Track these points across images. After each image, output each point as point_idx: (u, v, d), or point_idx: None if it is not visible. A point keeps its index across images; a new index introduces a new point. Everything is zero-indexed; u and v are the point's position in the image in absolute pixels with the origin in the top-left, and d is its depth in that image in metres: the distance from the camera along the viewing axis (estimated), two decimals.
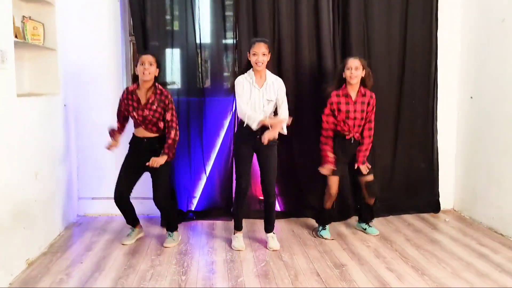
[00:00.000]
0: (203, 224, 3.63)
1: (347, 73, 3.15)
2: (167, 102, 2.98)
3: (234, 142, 3.17)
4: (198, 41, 3.60)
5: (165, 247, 3.07)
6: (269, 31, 3.60)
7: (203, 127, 3.65)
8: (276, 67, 3.64)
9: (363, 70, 3.16)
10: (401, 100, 3.80)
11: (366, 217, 3.47)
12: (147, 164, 2.90)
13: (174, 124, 2.99)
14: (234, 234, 3.17)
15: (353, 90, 3.19)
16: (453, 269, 2.75)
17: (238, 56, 3.60)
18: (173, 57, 3.61)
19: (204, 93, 3.66)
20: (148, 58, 2.90)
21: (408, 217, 3.83)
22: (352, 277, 2.63)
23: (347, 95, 3.19)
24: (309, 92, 3.65)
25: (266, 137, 2.83)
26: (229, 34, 3.68)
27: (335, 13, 3.65)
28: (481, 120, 3.67)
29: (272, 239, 3.10)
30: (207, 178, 3.75)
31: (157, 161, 2.91)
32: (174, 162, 3.54)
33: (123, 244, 3.12)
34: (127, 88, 3.05)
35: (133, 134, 3.09)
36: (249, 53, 2.97)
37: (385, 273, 2.69)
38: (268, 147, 2.97)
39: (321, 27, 3.61)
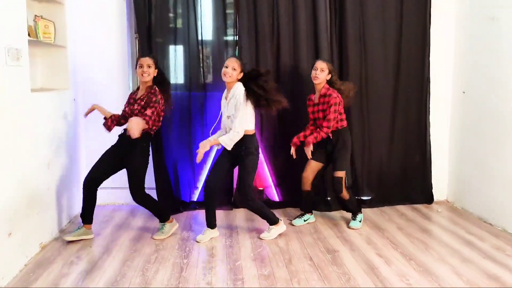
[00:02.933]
0: (204, 213, 3.81)
1: (312, 73, 3.34)
2: (153, 99, 2.98)
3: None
4: (200, 38, 3.77)
5: (154, 239, 3.13)
6: (268, 27, 3.76)
7: (205, 120, 3.83)
8: (275, 62, 3.80)
9: (328, 73, 3.31)
10: (396, 95, 3.95)
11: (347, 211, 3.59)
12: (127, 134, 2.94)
13: (147, 118, 2.92)
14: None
15: (317, 91, 3.36)
16: (440, 255, 2.91)
17: (238, 52, 3.76)
18: (176, 54, 3.78)
19: (206, 88, 3.83)
20: (146, 61, 3.03)
21: (402, 207, 3.98)
22: (343, 262, 2.81)
23: (310, 99, 3.41)
24: (306, 87, 3.79)
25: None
26: (230, 31, 3.84)
27: (332, 11, 3.79)
28: (473, 114, 3.80)
29: (268, 230, 3.22)
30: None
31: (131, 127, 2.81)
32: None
33: (65, 240, 3.05)
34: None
35: (123, 129, 3.15)
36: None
37: (374, 258, 2.86)
38: (241, 158, 3.09)
39: (319, 24, 3.76)
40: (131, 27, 3.89)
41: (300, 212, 3.59)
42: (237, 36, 3.79)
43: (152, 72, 3.06)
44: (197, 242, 3.11)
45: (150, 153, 3.26)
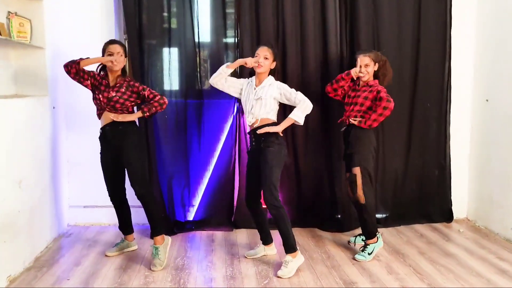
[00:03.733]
0: (202, 235, 3.41)
1: (356, 71, 3.00)
2: (137, 84, 2.79)
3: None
4: (197, 39, 3.39)
5: (153, 270, 2.71)
6: (272, 28, 3.40)
7: (202, 130, 3.44)
8: (280, 67, 3.43)
9: (374, 65, 2.98)
10: (413, 103, 3.59)
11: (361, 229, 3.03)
12: (112, 117, 2.72)
13: (156, 93, 2.77)
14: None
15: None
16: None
17: (239, 55, 3.39)
18: (170, 57, 3.39)
19: (203, 95, 3.44)
20: (116, 48, 2.73)
21: (419, 227, 3.60)
22: None
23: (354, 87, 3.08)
24: (315, 94, 3.43)
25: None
26: (230, 32, 3.46)
27: (342, 11, 3.44)
28: (497, 123, 3.45)
29: (285, 265, 2.67)
30: (207, 185, 3.53)
31: (124, 116, 2.72)
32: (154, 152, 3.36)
33: (106, 256, 2.92)
34: (96, 70, 2.85)
35: (100, 129, 2.86)
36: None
37: None
38: (262, 152, 2.72)
39: (328, 25, 3.39)
40: (120, 27, 3.50)
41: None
42: (238, 38, 3.42)
43: (122, 60, 2.77)
44: (246, 257, 2.92)
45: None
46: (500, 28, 3.40)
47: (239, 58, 3.39)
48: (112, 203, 2.98)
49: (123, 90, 2.76)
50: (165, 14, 3.37)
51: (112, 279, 2.60)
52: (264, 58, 2.77)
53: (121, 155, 2.77)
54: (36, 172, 2.92)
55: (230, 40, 3.46)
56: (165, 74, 3.39)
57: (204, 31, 3.44)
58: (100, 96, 2.77)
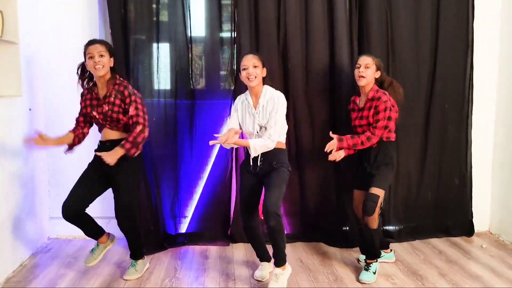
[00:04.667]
0: (194, 250, 3.08)
1: (355, 73, 2.63)
2: (126, 93, 2.45)
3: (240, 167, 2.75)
4: (189, 34, 3.07)
5: (125, 279, 2.55)
6: (274, 22, 3.05)
7: (194, 134, 3.11)
8: (282, 65, 3.10)
9: (376, 70, 2.61)
10: (430, 105, 3.23)
11: (363, 250, 2.75)
12: (101, 157, 2.35)
13: (140, 119, 2.43)
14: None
15: (363, 94, 2.66)
16: None
17: (237, 51, 3.05)
18: (159, 53, 3.06)
19: (195, 95, 3.11)
20: (97, 49, 2.40)
21: (437, 242, 3.25)
22: None
23: (355, 103, 2.70)
24: (321, 94, 3.10)
25: None
26: (226, 26, 3.13)
27: (353, 3, 3.09)
28: None
29: (275, 279, 2.44)
30: (201, 195, 3.21)
31: (109, 155, 2.33)
32: (156, 180, 3.06)
33: (86, 266, 2.62)
34: (84, 90, 2.57)
35: (99, 140, 2.58)
36: (240, 71, 2.51)
37: None
38: (272, 171, 2.50)
39: (336, 16, 3.05)
40: (104, 21, 3.16)
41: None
42: (234, 32, 3.08)
43: (106, 62, 2.43)
44: (258, 280, 2.59)
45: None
46: None
47: (236, 55, 3.06)
48: (67, 219, 2.48)
49: (112, 99, 2.45)
50: (154, 6, 3.05)
51: None
52: (253, 67, 2.45)
53: (114, 176, 2.47)
54: (9, 183, 2.62)
55: (226, 34, 3.13)
56: (153, 72, 3.06)
57: (197, 25, 3.12)
58: (95, 113, 2.47)
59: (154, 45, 3.08)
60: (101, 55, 2.40)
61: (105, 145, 2.50)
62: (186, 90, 3.10)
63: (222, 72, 3.19)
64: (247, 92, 2.59)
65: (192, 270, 2.75)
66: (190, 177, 3.19)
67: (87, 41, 2.49)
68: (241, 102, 2.59)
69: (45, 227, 3.17)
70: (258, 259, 2.70)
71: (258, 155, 2.48)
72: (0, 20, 2.64)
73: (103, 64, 2.39)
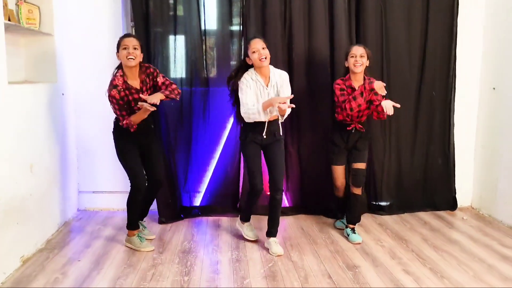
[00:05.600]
0: (208, 220, 3.47)
1: (351, 61, 2.94)
2: (151, 69, 2.75)
3: (241, 144, 2.94)
4: (203, 27, 3.41)
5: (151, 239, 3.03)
6: (279, 17, 3.39)
7: (208, 118, 3.47)
8: (287, 55, 3.45)
9: (367, 59, 2.96)
10: (419, 92, 3.59)
11: (348, 217, 3.13)
12: (144, 99, 2.60)
13: (171, 82, 2.78)
14: (242, 223, 3.05)
15: (356, 81, 2.98)
16: (475, 272, 2.57)
17: (244, 44, 3.40)
18: (176, 44, 3.41)
19: (209, 83, 3.47)
20: (132, 42, 2.63)
21: (423, 215, 3.63)
22: (366, 280, 2.46)
23: (351, 87, 2.99)
24: (322, 80, 3.44)
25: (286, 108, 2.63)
26: (236, 20, 3.47)
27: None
28: (503, 112, 3.44)
29: (275, 244, 2.83)
30: (213, 172, 3.58)
31: (153, 97, 2.58)
32: (173, 151, 3.43)
33: (149, 239, 3.00)
34: (114, 86, 2.63)
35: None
36: (248, 55, 2.76)
37: (401, 276, 2.51)
38: (275, 143, 2.84)
39: (335, 12, 3.39)
40: (126, 14, 3.53)
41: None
42: (243, 26, 3.42)
43: (138, 55, 2.66)
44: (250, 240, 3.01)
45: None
46: (509, 14, 3.37)
47: (243, 46, 3.38)
48: (142, 192, 2.78)
49: (147, 83, 2.71)
50: (171, 1, 3.39)
51: (122, 261, 2.68)
52: (262, 49, 2.69)
53: (149, 145, 2.84)
54: (46, 157, 2.99)
55: (236, 28, 3.47)
56: (171, 62, 3.41)
57: (210, 19, 3.46)
58: (136, 108, 2.66)
59: (172, 37, 3.42)
60: (135, 48, 2.63)
61: (141, 125, 2.72)
62: (200, 78, 3.45)
63: (232, 62, 3.54)
64: (252, 72, 2.77)
65: (207, 235, 3.14)
66: (203, 157, 3.55)
67: (123, 34, 2.77)
68: (252, 80, 2.76)
69: (75, 200, 3.55)
70: (247, 220, 3.04)
71: (266, 125, 2.77)
72: (37, 14, 3.01)
73: (135, 56, 2.62)
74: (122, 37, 2.71)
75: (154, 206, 3.40)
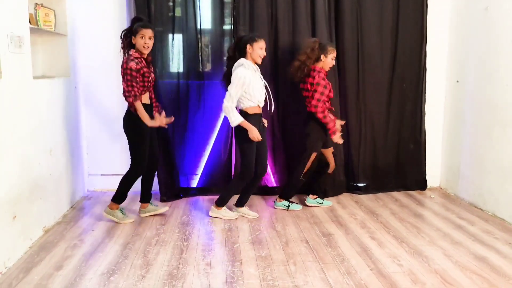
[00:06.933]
0: (204, 199, 3.92)
1: (329, 61, 3.43)
2: (150, 59, 3.18)
3: (242, 133, 3.22)
4: (198, 27, 3.81)
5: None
6: (266, 18, 3.79)
7: (203, 109, 3.90)
8: (273, 53, 3.84)
9: None
10: (392, 84, 4.02)
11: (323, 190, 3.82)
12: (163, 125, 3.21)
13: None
14: (238, 208, 3.48)
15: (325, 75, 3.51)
16: (431, 238, 3.02)
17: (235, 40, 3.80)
18: (174, 42, 3.82)
19: (204, 76, 3.88)
20: (148, 33, 2.97)
21: (396, 194, 4.08)
22: (337, 244, 2.91)
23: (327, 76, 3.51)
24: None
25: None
26: (228, 20, 3.88)
27: (331, 0, 3.83)
28: (466, 103, 3.88)
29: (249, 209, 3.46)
30: (208, 157, 4.01)
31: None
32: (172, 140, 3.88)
33: (161, 214, 3.42)
34: (133, 59, 2.96)
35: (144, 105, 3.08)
36: (251, 45, 3.17)
37: (367, 241, 2.96)
38: (263, 132, 3.34)
39: (317, 14, 3.79)
40: (131, 15, 3.91)
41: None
42: (234, 26, 3.83)
43: (152, 44, 3.02)
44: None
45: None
46: (470, 16, 3.79)
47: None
48: (142, 171, 3.19)
49: (152, 68, 3.17)
50: (170, 3, 3.79)
51: (130, 230, 3.12)
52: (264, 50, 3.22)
53: (155, 132, 3.26)
54: (62, 143, 3.41)
55: (227, 27, 3.89)
56: (169, 58, 3.83)
57: (205, 19, 3.87)
58: (150, 77, 3.03)
59: (170, 35, 3.84)
60: (150, 38, 2.98)
61: (149, 108, 3.13)
62: (196, 72, 3.87)
63: (225, 58, 3.94)
64: (249, 64, 3.16)
65: (203, 211, 3.58)
66: (199, 143, 3.98)
67: (142, 22, 3.00)
68: (251, 70, 3.16)
69: (85, 181, 3.99)
70: (240, 206, 3.47)
71: (260, 118, 3.32)
72: (53, 17, 3.41)
73: (150, 46, 2.99)
74: (141, 26, 2.96)
75: (155, 186, 3.84)
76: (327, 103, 3.44)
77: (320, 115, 3.37)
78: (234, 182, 3.43)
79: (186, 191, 3.98)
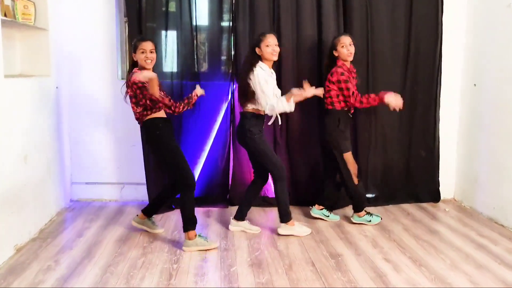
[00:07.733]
0: (198, 211, 3.53)
1: (343, 51, 3.12)
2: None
3: (254, 139, 2.96)
4: (194, 23, 3.49)
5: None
6: (267, 14, 3.48)
7: (198, 112, 3.56)
8: None
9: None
10: (404, 87, 3.70)
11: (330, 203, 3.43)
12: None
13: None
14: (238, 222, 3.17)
15: (346, 68, 3.19)
16: (452, 261, 2.69)
17: (234, 39, 3.49)
18: (167, 39, 3.49)
19: (200, 77, 3.56)
20: (148, 46, 2.73)
21: (407, 206, 3.76)
22: (347, 267, 2.57)
23: (350, 71, 3.18)
24: (309, 73, 3.52)
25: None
26: (226, 16, 3.56)
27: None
28: (484, 108, 3.56)
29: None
30: (203, 164, 3.68)
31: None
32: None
33: (157, 232, 3.06)
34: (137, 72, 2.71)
35: (156, 118, 2.82)
36: (259, 47, 2.90)
37: (382, 264, 2.63)
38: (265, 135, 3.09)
39: (323, 10, 3.48)
40: (120, 10, 3.60)
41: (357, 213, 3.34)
42: (233, 22, 3.51)
43: (154, 57, 2.78)
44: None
45: (142, 147, 3.32)
46: (489, 14, 3.48)
47: (232, 42, 3.48)
48: (192, 182, 2.81)
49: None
50: None
51: (113, 249, 2.77)
52: (275, 45, 2.91)
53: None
54: (40, 149, 3.07)
55: (226, 23, 3.56)
56: (162, 56, 3.50)
57: (201, 15, 3.55)
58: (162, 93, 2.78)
59: (163, 32, 3.51)
60: (151, 52, 2.73)
61: (166, 120, 2.87)
62: (191, 72, 3.54)
63: (223, 57, 3.63)
64: (262, 65, 2.91)
65: (197, 225, 3.21)
66: (194, 149, 3.65)
67: (139, 37, 2.84)
68: (266, 73, 2.92)
69: (68, 191, 3.64)
70: (241, 219, 3.17)
71: (275, 116, 3.03)
72: (33, 10, 3.08)
73: (152, 59, 2.73)
74: (139, 40, 2.76)
75: (145, 197, 3.52)
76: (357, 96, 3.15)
77: (358, 105, 3.15)
78: (277, 189, 3.03)
79: (178, 202, 3.63)
